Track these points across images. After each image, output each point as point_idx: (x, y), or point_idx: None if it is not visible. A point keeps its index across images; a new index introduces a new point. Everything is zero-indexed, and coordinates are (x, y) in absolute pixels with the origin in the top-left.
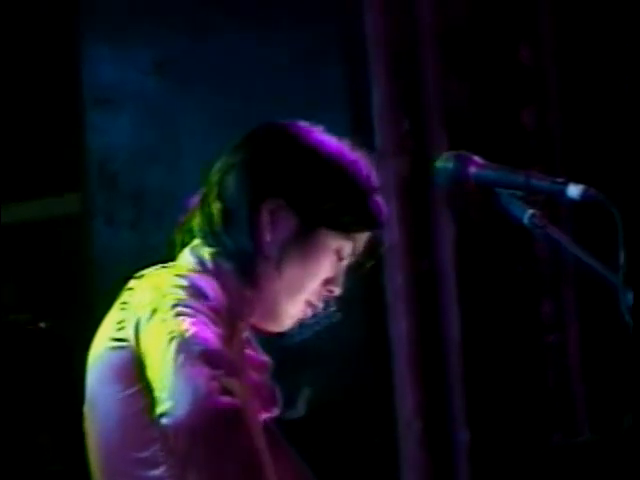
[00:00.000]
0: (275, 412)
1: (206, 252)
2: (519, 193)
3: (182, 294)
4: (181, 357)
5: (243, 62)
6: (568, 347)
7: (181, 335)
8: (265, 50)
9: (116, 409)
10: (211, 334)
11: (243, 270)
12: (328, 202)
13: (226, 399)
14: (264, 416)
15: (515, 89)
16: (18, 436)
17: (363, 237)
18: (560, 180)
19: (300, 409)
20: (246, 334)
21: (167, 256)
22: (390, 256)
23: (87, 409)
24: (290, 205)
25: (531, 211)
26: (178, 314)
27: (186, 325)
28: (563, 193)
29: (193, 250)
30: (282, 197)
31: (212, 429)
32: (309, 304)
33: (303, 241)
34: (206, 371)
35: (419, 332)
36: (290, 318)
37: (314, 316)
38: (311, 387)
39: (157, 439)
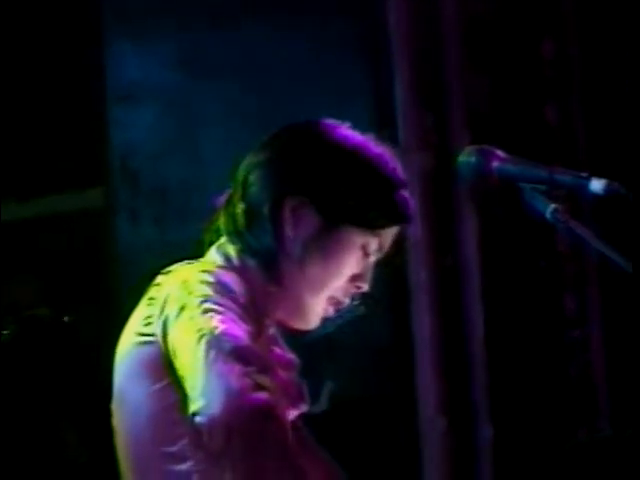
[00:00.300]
0: (303, 409)
1: (231, 249)
2: (542, 187)
3: (209, 290)
4: (212, 354)
5: (265, 57)
6: (591, 342)
7: (211, 332)
8: (287, 45)
9: (145, 404)
10: (240, 331)
11: (267, 267)
12: (354, 197)
13: (259, 395)
14: (292, 414)
15: (538, 84)
16: (43, 431)
17: (389, 232)
18: (583, 174)
19: (323, 403)
20: (272, 331)
21: (192, 253)
22: (414, 251)
23: (115, 405)
24: (312, 202)
25: (554, 205)
26: (206, 311)
27: (215, 322)
28: (586, 187)
29: (219, 248)
30: (304, 194)
31: (247, 426)
32: (335, 301)
33: (326, 238)
34: (238, 368)
35: (442, 328)
36: (316, 315)
37: (339, 311)
38: (334, 381)
39: (185, 434)
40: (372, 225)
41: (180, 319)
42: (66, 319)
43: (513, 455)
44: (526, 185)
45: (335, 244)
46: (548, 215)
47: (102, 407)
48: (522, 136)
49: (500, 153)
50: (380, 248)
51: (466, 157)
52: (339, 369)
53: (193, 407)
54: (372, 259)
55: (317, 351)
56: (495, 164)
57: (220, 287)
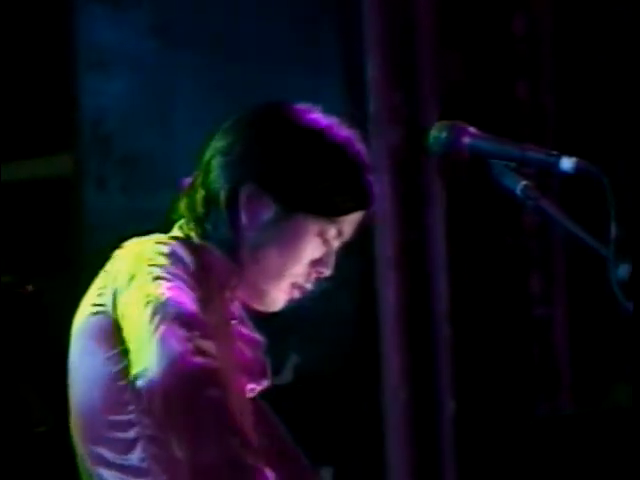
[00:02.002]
0: (264, 384)
1: (192, 231)
2: (512, 165)
3: (161, 260)
4: (156, 319)
5: (240, 28)
6: (555, 320)
7: (157, 299)
8: (262, 16)
9: (95, 373)
10: (187, 298)
11: (226, 253)
12: (318, 182)
13: (200, 359)
14: (254, 388)
15: (509, 60)
16: (6, 398)
17: (349, 219)
18: (553, 153)
19: (287, 375)
20: (239, 311)
21: (160, 222)
22: (381, 225)
23: (70, 376)
24: (268, 190)
25: (524, 182)
26: (155, 278)
27: (162, 289)
28: (556, 166)
29: (181, 228)
30: (260, 182)
31: (186, 389)
32: (296, 286)
33: (282, 227)
34: (181, 333)
35: (408, 301)
36: (276, 301)
37: (304, 294)
38: (299, 354)
39: (132, 401)
40: (334, 211)
41: (130, 287)
42: (30, 287)
43: (475, 428)
44: (497, 162)
45: (291, 233)
46: (518, 192)
47: (63, 375)
48: (492, 112)
49: (471, 129)
50: (340, 234)
51: (437, 132)
52: (304, 341)
53: (134, 370)
54: (334, 245)
55: (282, 324)
56: (466, 140)
57: (173, 257)
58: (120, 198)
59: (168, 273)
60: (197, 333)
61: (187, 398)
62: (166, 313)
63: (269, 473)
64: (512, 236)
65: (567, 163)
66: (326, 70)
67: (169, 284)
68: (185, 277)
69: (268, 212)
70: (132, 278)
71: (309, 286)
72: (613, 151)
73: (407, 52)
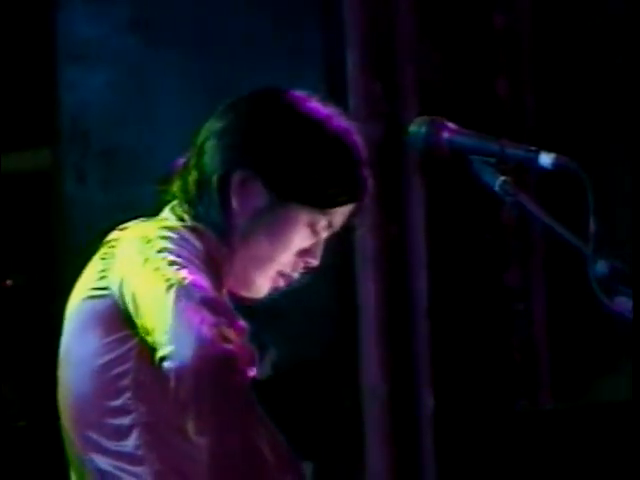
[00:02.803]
0: (252, 373)
1: (184, 213)
2: (491, 160)
3: (171, 244)
4: (182, 303)
5: (218, 24)
6: (534, 315)
7: (179, 282)
8: (244, 13)
9: (92, 357)
10: (206, 283)
11: (218, 237)
12: (313, 172)
13: (228, 345)
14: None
15: (489, 56)
16: None
17: (340, 211)
18: (532, 148)
19: (265, 370)
20: (225, 297)
21: (138, 215)
22: (361, 220)
23: (62, 360)
24: (261, 176)
25: (503, 178)
26: (171, 263)
27: (183, 274)
28: (535, 161)
29: (173, 209)
30: (254, 167)
31: (217, 374)
32: (282, 275)
33: (272, 214)
34: (209, 317)
35: (387, 296)
36: (262, 288)
37: (289, 284)
38: (277, 348)
39: (129, 387)
40: (327, 203)
41: (143, 271)
42: (10, 282)
43: (454, 424)
44: (476, 157)
45: (282, 221)
46: (497, 187)
47: (46, 371)
48: (472, 108)
49: (451, 125)
50: (330, 226)
51: (417, 127)
52: (282, 336)
53: (162, 352)
54: (322, 236)
55: (260, 317)
56: (445, 135)
57: (182, 242)
58: (100, 192)
59: (181, 258)
60: (223, 319)
61: (217, 383)
62: (191, 297)
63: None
64: (491, 232)
65: (546, 159)
66: (306, 64)
67: (186, 269)
68: (197, 262)
69: (260, 199)
70: (145, 262)
71: (295, 275)
72: (593, 148)
73: (387, 48)
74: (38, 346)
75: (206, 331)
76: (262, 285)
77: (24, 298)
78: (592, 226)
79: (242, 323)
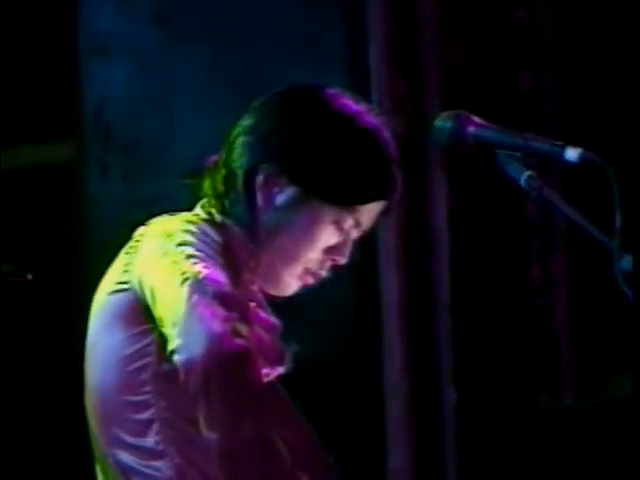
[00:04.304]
0: (280, 371)
1: (213, 210)
2: (517, 154)
3: (191, 238)
4: (195, 298)
5: (242, 20)
6: (556, 311)
7: (194, 276)
8: (265, 8)
9: (115, 351)
10: (222, 277)
11: (244, 232)
12: (338, 168)
13: (239, 341)
14: (268, 374)
15: (512, 51)
16: (4, 388)
17: (367, 209)
18: (558, 143)
19: (287, 365)
20: (259, 295)
21: (160, 209)
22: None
23: (88, 356)
24: (287, 172)
25: (528, 172)
26: (189, 257)
27: (198, 267)
28: (561, 156)
29: (203, 206)
30: (278, 162)
31: (227, 369)
32: (310, 272)
33: (297, 211)
34: (220, 312)
35: (409, 292)
36: (289, 285)
37: (317, 281)
38: (298, 342)
39: (148, 381)
40: (351, 200)
41: (162, 264)
42: (30, 276)
43: (476, 420)
44: (501, 151)
45: (306, 218)
46: (522, 182)
47: (66, 365)
48: (495, 102)
49: (476, 119)
50: (358, 224)
51: (442, 122)
52: (304, 330)
53: (172, 345)
54: (351, 234)
55: (283, 311)
56: (471, 129)
57: (203, 236)
58: (121, 185)
59: (200, 252)
60: (235, 314)
61: (227, 378)
62: (205, 292)
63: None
64: (514, 227)
65: (572, 153)
66: (329, 58)
67: (203, 263)
68: (216, 256)
69: (285, 195)
70: (164, 254)
71: (323, 273)
72: (615, 142)
73: (410, 42)
74: (58, 340)
75: (216, 326)
76: (289, 282)
77: (44, 292)
78: (618, 221)
79: (274, 320)
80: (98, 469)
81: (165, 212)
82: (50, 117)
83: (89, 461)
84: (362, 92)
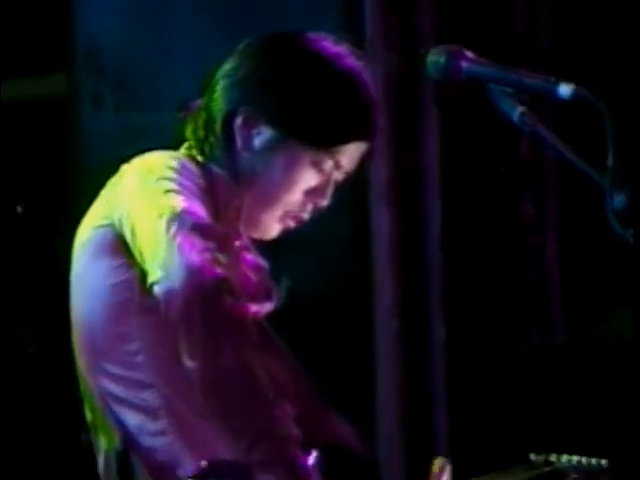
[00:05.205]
0: (267, 308)
1: (195, 152)
2: (509, 90)
3: (172, 173)
4: (173, 229)
5: None
6: (547, 248)
7: (172, 210)
8: None
9: (99, 284)
10: (201, 210)
11: (226, 174)
12: (314, 108)
13: (218, 270)
14: (257, 312)
15: None
16: None
17: (346, 150)
18: (551, 79)
19: (278, 300)
20: (244, 236)
21: (151, 140)
22: (376, 149)
23: (73, 288)
24: (262, 112)
25: (521, 108)
26: (168, 191)
27: (176, 201)
28: (554, 92)
29: (187, 149)
30: (255, 104)
31: (205, 298)
32: (291, 215)
33: (274, 152)
34: (198, 243)
35: (400, 227)
36: (269, 228)
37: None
38: (290, 277)
39: (133, 314)
40: (326, 140)
41: (141, 198)
42: (19, 209)
43: (465, 357)
44: (494, 87)
45: (284, 160)
46: (515, 117)
47: (56, 298)
48: (489, 39)
49: (469, 54)
50: (338, 166)
51: (435, 56)
52: (295, 264)
53: (152, 278)
54: (332, 176)
55: (273, 246)
56: (464, 64)
57: (184, 171)
58: (114, 116)
59: (180, 185)
60: (214, 245)
61: (206, 307)
62: (182, 224)
63: (287, 405)
64: (506, 164)
65: (565, 89)
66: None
67: (182, 196)
68: (196, 190)
69: (262, 136)
70: (143, 190)
71: (305, 216)
72: (610, 80)
73: None
74: (48, 272)
75: (195, 256)
76: (270, 225)
77: (34, 225)
78: (610, 159)
79: (260, 261)
80: (86, 407)
81: (157, 145)
82: (43, 50)
83: (77, 396)
84: (356, 28)
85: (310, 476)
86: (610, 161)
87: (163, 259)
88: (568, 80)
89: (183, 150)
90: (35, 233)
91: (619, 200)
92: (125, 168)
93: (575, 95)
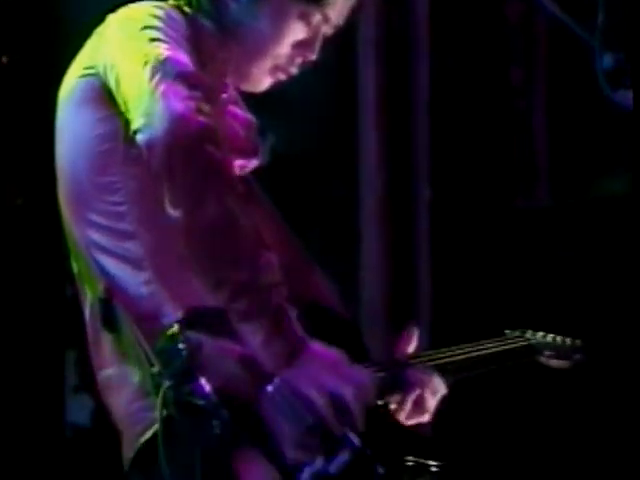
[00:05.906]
0: (253, 163)
1: (182, 3)
2: None
3: (156, 22)
4: (156, 78)
5: None
6: (534, 112)
7: (156, 58)
8: None
9: (84, 133)
10: (186, 58)
11: (214, 26)
12: None
13: (202, 118)
14: (244, 166)
15: None
16: None
17: (334, 3)
18: None
19: (263, 157)
20: (233, 91)
21: None
22: (364, 7)
23: (58, 139)
24: None
25: None
26: (153, 39)
27: (161, 49)
28: None
29: (174, 0)
30: None
31: (188, 145)
32: (280, 68)
33: (263, 4)
34: (183, 91)
35: (387, 83)
36: (259, 81)
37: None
38: (275, 134)
39: (117, 163)
40: None
41: (125, 47)
42: (4, 59)
43: (449, 218)
44: None
45: (272, 12)
46: None
47: (42, 148)
48: None
49: None
50: (326, 19)
51: None
52: (280, 122)
53: (135, 125)
54: (321, 30)
55: (258, 101)
56: None
57: (169, 21)
58: None
59: (165, 35)
60: (198, 93)
61: (189, 153)
62: (166, 72)
63: (271, 255)
64: (494, 27)
65: None
66: None
67: (167, 45)
68: (181, 40)
69: None
70: (128, 39)
71: (294, 70)
72: None
73: None
74: (34, 124)
75: (179, 104)
76: (260, 78)
77: (20, 77)
78: (600, 16)
79: (248, 116)
80: (72, 258)
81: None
82: None
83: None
84: None
85: (293, 326)
86: (600, 19)
87: (146, 107)
88: None
89: (171, 1)
90: (20, 84)
91: (607, 59)
92: (111, 17)
93: None
